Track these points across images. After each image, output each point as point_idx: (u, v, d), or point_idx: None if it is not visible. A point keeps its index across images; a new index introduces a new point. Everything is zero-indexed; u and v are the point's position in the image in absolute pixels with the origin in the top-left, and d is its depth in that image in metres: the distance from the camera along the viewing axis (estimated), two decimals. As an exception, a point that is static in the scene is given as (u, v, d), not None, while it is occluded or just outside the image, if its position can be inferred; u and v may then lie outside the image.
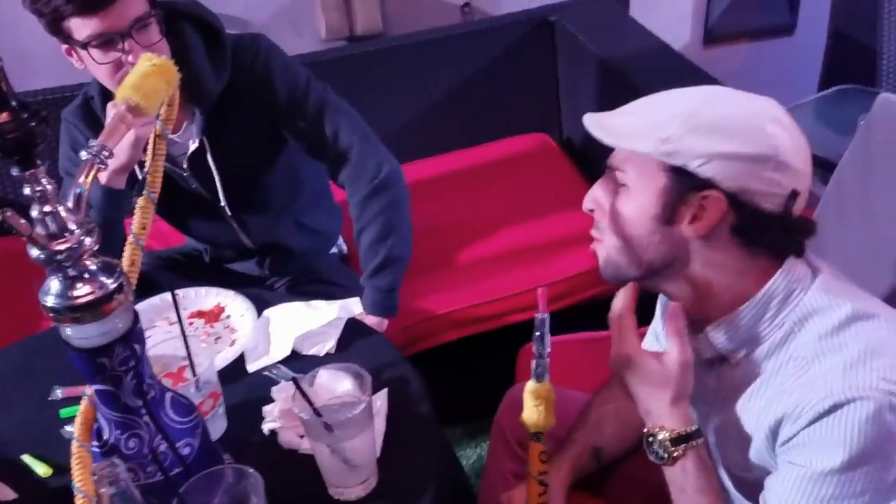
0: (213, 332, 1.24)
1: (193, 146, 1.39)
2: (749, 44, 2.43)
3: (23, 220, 0.69)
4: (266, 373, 1.14)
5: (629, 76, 1.76)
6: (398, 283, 1.44)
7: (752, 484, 0.86)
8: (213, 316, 1.27)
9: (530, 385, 0.90)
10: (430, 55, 2.09)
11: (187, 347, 1.01)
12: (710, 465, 0.86)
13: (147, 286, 1.23)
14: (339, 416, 0.87)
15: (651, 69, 1.76)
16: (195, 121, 1.36)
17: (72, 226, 0.72)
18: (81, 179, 0.75)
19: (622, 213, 0.83)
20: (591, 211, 0.87)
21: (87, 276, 0.74)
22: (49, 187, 0.72)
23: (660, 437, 0.83)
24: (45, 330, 1.39)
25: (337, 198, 1.71)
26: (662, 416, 0.83)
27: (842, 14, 2.38)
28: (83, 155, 0.78)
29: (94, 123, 1.37)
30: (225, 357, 1.16)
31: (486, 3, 2.33)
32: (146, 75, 0.90)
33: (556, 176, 2.03)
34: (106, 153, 0.79)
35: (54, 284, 0.73)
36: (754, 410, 0.83)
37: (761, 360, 0.83)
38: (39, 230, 0.72)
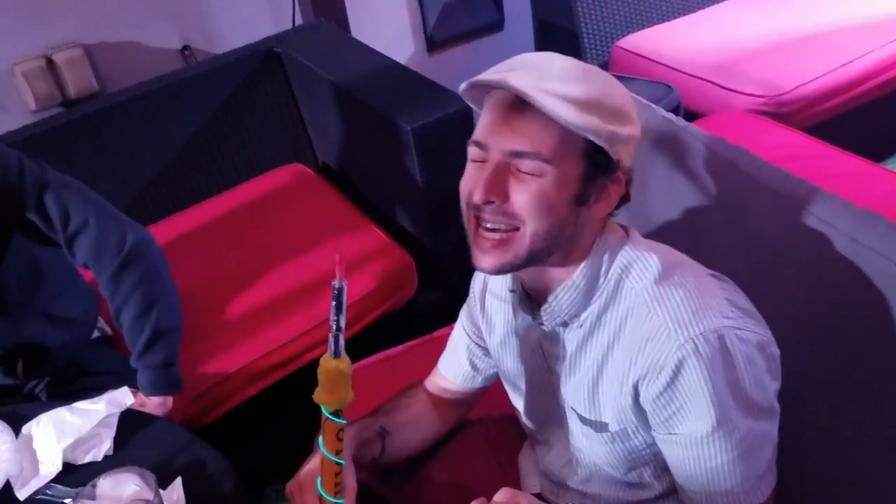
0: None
1: None
2: (467, 44, 2.60)
3: None
4: (40, 496, 1.02)
5: (363, 95, 1.79)
6: (175, 356, 1.35)
7: (596, 424, 0.90)
8: (-39, 448, 1.11)
9: (326, 360, 0.83)
10: (157, 106, 1.98)
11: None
12: None
13: None
14: (131, 525, 0.80)
15: (383, 85, 1.81)
16: None
17: None
18: None
19: (550, 197, 0.80)
20: (489, 203, 0.81)
21: None
22: None
23: None
24: None
25: (87, 276, 1.57)
26: None
27: (541, 4, 2.63)
28: None
29: None
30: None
31: (205, 43, 2.25)
32: None
33: (320, 203, 2.01)
34: None
35: None
36: (615, 365, 0.85)
37: (604, 313, 0.86)
38: None
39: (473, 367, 1.10)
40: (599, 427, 0.90)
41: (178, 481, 0.96)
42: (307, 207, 2.00)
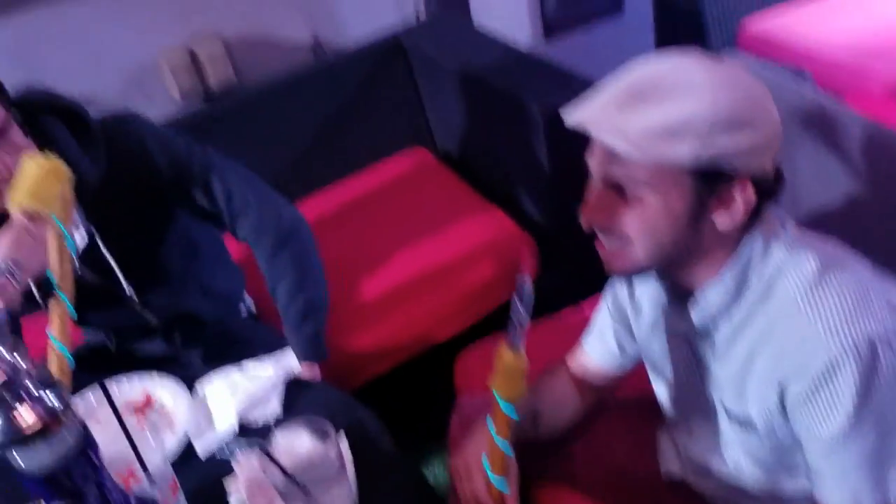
0: (148, 421, 1.19)
1: (82, 241, 1.32)
2: (585, 28, 2.58)
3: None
4: (217, 450, 1.10)
5: (490, 81, 1.82)
6: (323, 327, 1.43)
7: (742, 418, 0.91)
8: (143, 405, 1.22)
9: (504, 354, 0.86)
10: (291, 97, 2.08)
11: (132, 443, 0.97)
12: None
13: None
14: (313, 474, 0.87)
15: (510, 71, 1.83)
16: (77, 213, 1.30)
17: (4, 354, 0.69)
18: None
19: (654, 223, 0.80)
20: (593, 226, 0.84)
21: (27, 399, 0.70)
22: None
23: None
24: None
25: (233, 253, 1.68)
26: None
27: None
28: None
29: None
30: (171, 445, 1.13)
31: (333, 35, 2.35)
32: (35, 178, 0.86)
33: (443, 186, 2.07)
34: (16, 269, 0.75)
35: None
36: (762, 364, 0.85)
37: (755, 312, 0.85)
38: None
39: (620, 348, 1.11)
40: (746, 423, 0.91)
41: (341, 435, 1.01)
42: (431, 191, 2.06)
